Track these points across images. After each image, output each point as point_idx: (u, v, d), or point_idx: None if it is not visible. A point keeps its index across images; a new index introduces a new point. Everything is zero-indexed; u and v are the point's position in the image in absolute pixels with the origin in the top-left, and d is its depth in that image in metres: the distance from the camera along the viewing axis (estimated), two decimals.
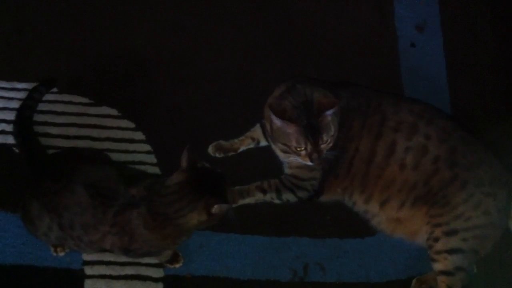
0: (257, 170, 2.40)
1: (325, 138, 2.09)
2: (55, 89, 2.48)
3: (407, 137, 2.17)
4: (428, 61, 2.72)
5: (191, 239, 2.08)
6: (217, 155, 2.42)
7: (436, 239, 2.14)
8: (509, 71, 2.73)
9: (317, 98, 2.09)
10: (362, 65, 2.67)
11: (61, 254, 2.18)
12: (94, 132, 2.43)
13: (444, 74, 2.70)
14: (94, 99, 2.49)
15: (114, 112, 2.47)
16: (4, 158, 2.35)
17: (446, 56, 2.73)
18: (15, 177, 2.26)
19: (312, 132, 2.07)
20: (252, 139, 2.45)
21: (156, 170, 2.38)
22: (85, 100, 2.48)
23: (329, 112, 2.07)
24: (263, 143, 2.45)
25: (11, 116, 2.37)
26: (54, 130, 2.41)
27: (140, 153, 2.41)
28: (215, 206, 1.82)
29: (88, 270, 2.20)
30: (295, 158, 2.18)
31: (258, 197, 2.32)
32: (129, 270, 2.21)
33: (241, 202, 2.31)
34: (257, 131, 2.46)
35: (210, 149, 2.42)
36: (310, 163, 2.13)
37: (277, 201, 2.32)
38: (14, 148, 2.34)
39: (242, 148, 2.45)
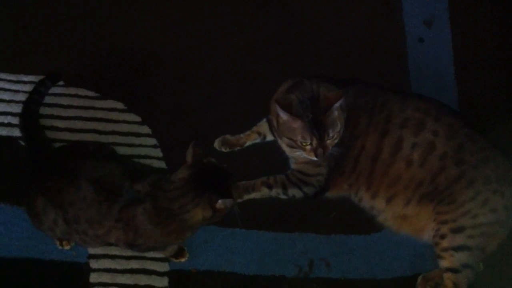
0: (263, 165, 2.39)
1: (330, 134, 2.08)
2: (61, 82, 2.48)
3: (414, 133, 2.16)
4: (436, 57, 2.70)
5: (196, 234, 2.07)
6: (223, 149, 2.42)
7: (443, 236, 2.13)
8: None
9: (323, 93, 2.08)
10: (369, 61, 2.66)
11: (67, 247, 2.18)
12: (100, 126, 2.43)
13: (451, 70, 2.68)
14: (100, 92, 2.48)
15: (120, 105, 2.47)
16: (10, 151, 2.36)
17: (454, 52, 2.71)
18: (21, 170, 2.26)
19: (317, 127, 2.06)
20: (258, 133, 2.45)
21: (162, 164, 2.38)
22: (91, 93, 2.48)
23: (335, 106, 2.06)
24: (269, 138, 2.44)
25: (17, 109, 2.37)
26: (60, 123, 2.41)
27: (146, 147, 2.41)
28: (219, 202, 1.82)
29: (94, 264, 2.20)
30: (300, 153, 2.17)
31: (264, 192, 2.31)
32: (134, 264, 2.22)
33: (247, 197, 2.31)
34: (263, 126, 2.45)
35: (216, 144, 2.42)
36: (315, 159, 2.13)
37: (283, 197, 2.31)
38: (20, 141, 2.34)
39: (248, 143, 2.44)
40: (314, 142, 2.08)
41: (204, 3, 2.75)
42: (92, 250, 2.20)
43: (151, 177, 1.93)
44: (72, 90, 2.48)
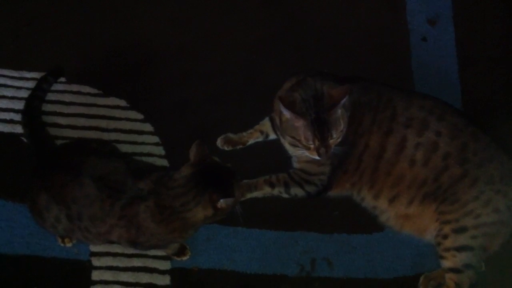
0: (266, 164, 2.39)
1: (333, 133, 2.08)
2: (63, 79, 2.48)
3: (418, 133, 2.15)
4: (439, 56, 2.69)
5: (198, 232, 2.08)
6: (225, 148, 2.41)
7: (445, 236, 2.13)
8: None
9: (327, 91, 2.07)
10: (373, 59, 2.65)
11: (69, 245, 2.18)
12: (103, 123, 2.42)
13: (455, 68, 2.67)
14: (102, 89, 2.48)
15: (122, 103, 2.47)
16: (12, 148, 2.35)
17: (458, 51, 2.70)
18: (23, 167, 2.26)
19: (320, 126, 2.06)
20: (261, 132, 2.44)
21: (164, 162, 2.37)
22: (93, 90, 2.48)
23: (339, 105, 2.05)
24: (272, 136, 2.44)
25: (19, 105, 2.37)
26: (62, 121, 2.41)
27: (148, 145, 2.41)
28: (221, 201, 1.82)
29: (96, 261, 2.20)
30: (303, 152, 2.17)
31: (266, 191, 2.31)
32: (136, 262, 2.22)
33: (249, 195, 2.30)
34: (266, 125, 2.44)
35: (219, 142, 2.41)
36: (317, 158, 2.12)
37: (285, 196, 2.31)
38: (23, 138, 2.33)
39: (251, 141, 2.44)
40: (317, 141, 2.08)
41: (209, 0, 2.74)
42: (94, 248, 2.20)
43: (154, 174, 1.93)
44: (75, 87, 2.47)
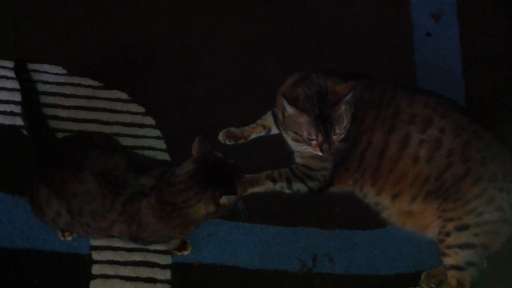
0: (268, 159, 2.38)
1: (337, 130, 2.07)
2: (64, 71, 2.46)
3: (421, 130, 2.15)
4: (443, 52, 2.67)
5: (200, 227, 2.06)
6: (227, 142, 2.40)
7: (448, 234, 2.12)
8: None
9: (331, 87, 2.06)
10: (376, 55, 2.63)
11: (69, 238, 2.17)
12: (104, 116, 2.40)
13: (459, 65, 2.65)
14: (104, 82, 2.46)
15: (124, 96, 2.45)
16: (13, 140, 2.34)
17: (462, 47, 2.68)
18: (23, 160, 2.25)
19: (324, 122, 2.05)
20: (263, 127, 2.43)
21: (165, 156, 2.36)
22: (95, 83, 2.46)
23: (343, 101, 2.04)
24: (274, 131, 2.42)
25: (20, 97, 2.34)
26: (63, 113, 2.39)
27: (149, 139, 2.39)
28: (223, 198, 1.80)
29: (96, 255, 2.19)
30: (305, 148, 2.16)
31: (268, 186, 2.30)
32: (136, 257, 2.21)
33: (251, 190, 2.29)
34: (268, 119, 2.43)
35: (220, 136, 2.40)
36: (320, 154, 2.11)
37: (287, 191, 2.29)
38: (23, 130, 2.31)
39: (253, 136, 2.42)
40: (320, 137, 2.06)
41: None
42: (94, 242, 2.19)
43: (156, 170, 1.91)
44: (76, 79, 2.45)
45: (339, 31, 2.68)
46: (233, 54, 2.59)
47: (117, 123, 2.40)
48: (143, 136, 2.39)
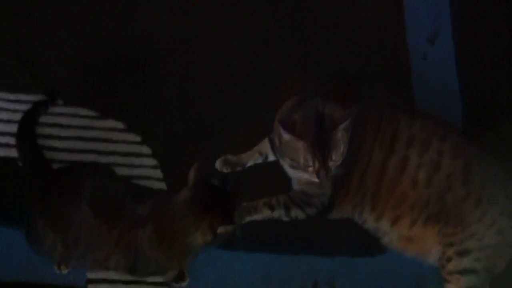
0: (265, 186, 2.35)
1: (333, 156, 2.06)
2: (60, 101, 2.45)
3: (419, 153, 2.13)
4: (439, 74, 2.65)
5: (197, 256, 2.04)
6: (224, 170, 2.38)
7: (449, 259, 2.10)
8: None
9: (329, 113, 2.06)
10: (373, 78, 2.61)
11: (65, 271, 2.13)
12: (100, 146, 2.39)
13: (456, 86, 2.63)
14: (100, 111, 2.45)
15: (120, 125, 2.44)
16: (8, 172, 2.31)
17: (458, 69, 2.66)
18: (19, 192, 2.22)
19: (320, 149, 2.03)
20: (260, 153, 2.41)
21: (162, 185, 2.34)
22: (90, 113, 2.45)
23: (341, 127, 2.04)
24: (271, 157, 2.40)
25: (15, 129, 2.33)
26: (59, 144, 2.37)
27: (146, 168, 2.37)
28: (221, 227, 1.78)
29: None
30: (302, 174, 2.14)
31: (266, 213, 2.27)
32: None
33: (249, 218, 2.26)
34: (265, 145, 2.41)
35: (217, 164, 2.38)
36: (316, 180, 2.10)
37: (285, 218, 2.27)
38: (19, 162, 2.30)
39: (250, 163, 2.40)
40: (317, 163, 2.05)
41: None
42: (91, 275, 2.15)
43: (152, 199, 1.90)
44: (71, 110, 2.44)
45: (340, 35, 2.67)
46: (233, 65, 2.57)
47: (113, 153, 2.38)
48: (140, 166, 2.37)
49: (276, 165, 2.34)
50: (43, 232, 1.94)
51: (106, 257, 1.89)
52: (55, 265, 2.12)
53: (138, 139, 2.42)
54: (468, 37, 2.76)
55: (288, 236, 2.30)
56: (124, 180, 2.20)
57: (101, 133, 2.41)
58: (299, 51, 2.61)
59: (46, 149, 2.34)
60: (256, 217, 2.27)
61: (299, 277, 2.24)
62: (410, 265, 2.26)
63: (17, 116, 2.38)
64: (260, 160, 2.41)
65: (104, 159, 2.36)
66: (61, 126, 2.41)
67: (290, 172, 2.25)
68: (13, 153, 2.32)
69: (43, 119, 2.40)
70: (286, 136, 2.06)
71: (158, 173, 2.36)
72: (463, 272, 2.07)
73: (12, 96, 2.44)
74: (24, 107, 2.40)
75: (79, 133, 2.40)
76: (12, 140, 2.34)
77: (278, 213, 2.26)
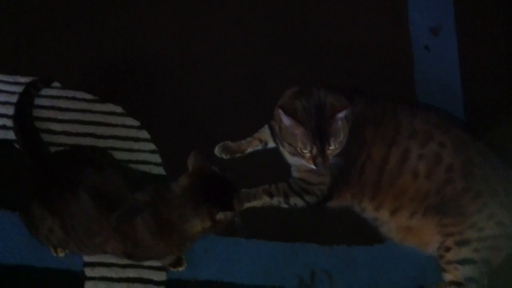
0: (265, 173, 2.34)
1: (332, 144, 2.06)
2: (58, 84, 2.42)
3: (421, 145, 2.13)
4: (442, 67, 2.66)
5: (196, 243, 2.02)
6: (224, 156, 2.37)
7: (448, 249, 2.10)
8: None
9: (330, 102, 2.06)
10: (376, 70, 2.61)
11: (61, 255, 2.12)
12: (98, 130, 2.37)
13: (458, 80, 2.64)
14: (98, 95, 2.43)
15: (119, 109, 2.41)
16: (5, 155, 2.29)
17: (461, 62, 2.67)
18: (16, 174, 2.20)
19: (319, 135, 2.04)
20: (260, 140, 2.40)
21: (160, 170, 2.32)
22: (89, 96, 2.42)
23: (340, 115, 2.03)
24: (271, 145, 2.40)
25: (12, 111, 2.30)
26: (57, 127, 2.35)
27: (144, 152, 2.35)
28: (220, 214, 1.77)
29: (89, 272, 2.14)
30: (299, 160, 2.13)
31: (265, 200, 2.26)
32: (130, 273, 2.16)
33: (248, 205, 2.26)
34: (265, 133, 2.40)
35: (217, 150, 2.37)
36: (313, 167, 2.09)
37: (284, 206, 2.26)
38: (16, 144, 2.28)
39: (250, 150, 2.39)
40: (315, 150, 2.05)
41: (212, 10, 2.69)
42: (87, 258, 2.14)
43: (151, 185, 1.88)
44: (70, 93, 2.42)
45: (339, 48, 2.66)
46: (233, 68, 2.57)
47: (111, 137, 2.36)
48: (138, 150, 2.36)
49: (276, 152, 2.33)
50: (40, 216, 1.92)
51: (103, 242, 1.87)
52: (52, 248, 2.12)
53: (137, 123, 2.40)
54: (471, 29, 2.75)
55: (286, 224, 2.29)
56: (122, 165, 2.18)
57: (99, 116, 2.39)
58: (298, 70, 2.59)
59: (44, 132, 2.31)
60: (255, 204, 2.26)
61: (297, 266, 2.23)
62: (408, 255, 2.26)
63: (15, 98, 2.35)
64: (259, 147, 2.40)
65: (102, 143, 2.34)
66: (59, 109, 2.39)
67: (290, 159, 2.25)
68: (11, 135, 2.29)
69: (42, 101, 2.37)
70: (286, 121, 2.06)
71: (156, 158, 2.35)
72: (461, 262, 2.08)
73: (10, 78, 2.42)
74: (21, 89, 2.37)
75: (77, 116, 2.38)
76: (9, 122, 2.32)
77: (277, 200, 2.26)
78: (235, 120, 2.46)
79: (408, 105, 2.25)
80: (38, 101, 2.37)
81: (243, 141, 2.39)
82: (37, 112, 2.34)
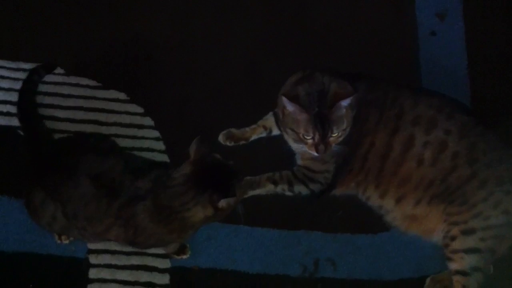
0: (269, 161, 2.33)
1: (334, 131, 2.04)
2: (62, 71, 2.42)
3: (426, 131, 2.10)
4: (448, 51, 2.61)
5: (199, 230, 2.01)
6: (228, 143, 2.35)
7: (453, 238, 2.08)
8: None
9: (334, 88, 2.03)
10: (380, 54, 2.58)
11: (65, 242, 2.13)
12: (102, 116, 2.36)
13: (464, 64, 2.59)
14: (102, 82, 2.42)
15: (122, 96, 2.40)
16: (9, 141, 2.29)
17: (467, 46, 2.62)
18: (20, 161, 2.20)
19: (322, 122, 2.02)
20: (264, 127, 2.38)
21: (164, 157, 2.32)
22: (93, 83, 2.41)
23: (344, 103, 2.01)
24: (275, 132, 2.38)
25: (16, 97, 2.30)
26: (60, 113, 2.35)
27: (148, 139, 2.35)
28: (222, 201, 1.76)
29: (93, 259, 2.15)
30: (302, 146, 2.12)
31: (269, 188, 2.25)
32: (134, 260, 2.16)
33: (251, 193, 2.25)
34: (269, 120, 2.39)
35: (221, 137, 2.35)
36: (315, 154, 2.08)
37: (288, 193, 2.25)
38: (20, 131, 2.27)
39: (254, 137, 2.38)
40: (317, 136, 2.04)
41: None
42: (91, 245, 2.15)
43: (153, 173, 1.87)
44: (73, 79, 2.41)
45: (342, 30, 2.63)
46: (232, 53, 2.55)
47: (115, 124, 2.36)
48: (142, 137, 2.35)
49: (280, 140, 2.31)
50: (43, 203, 1.92)
51: (106, 230, 1.87)
52: (55, 235, 2.12)
53: (141, 110, 2.39)
54: (478, 14, 2.71)
55: (290, 212, 2.28)
56: (125, 152, 2.17)
57: (103, 103, 2.39)
58: (298, 53, 2.56)
59: (47, 119, 2.31)
60: (259, 191, 2.25)
61: (300, 254, 2.22)
62: (412, 244, 2.24)
63: (18, 85, 2.35)
64: (264, 134, 2.39)
65: (106, 130, 2.33)
66: (62, 95, 2.38)
67: (294, 146, 2.23)
68: (15, 122, 2.29)
69: (45, 88, 2.37)
70: (289, 107, 2.05)
71: (160, 145, 2.34)
72: (467, 251, 2.05)
73: (13, 65, 2.41)
74: (25, 75, 2.36)
75: (81, 103, 2.38)
76: (13, 109, 2.32)
77: (281, 188, 2.24)
78: (239, 107, 2.44)
79: (411, 90, 2.22)
80: (42, 88, 2.37)
81: (247, 128, 2.37)
82: (41, 99, 2.34)
